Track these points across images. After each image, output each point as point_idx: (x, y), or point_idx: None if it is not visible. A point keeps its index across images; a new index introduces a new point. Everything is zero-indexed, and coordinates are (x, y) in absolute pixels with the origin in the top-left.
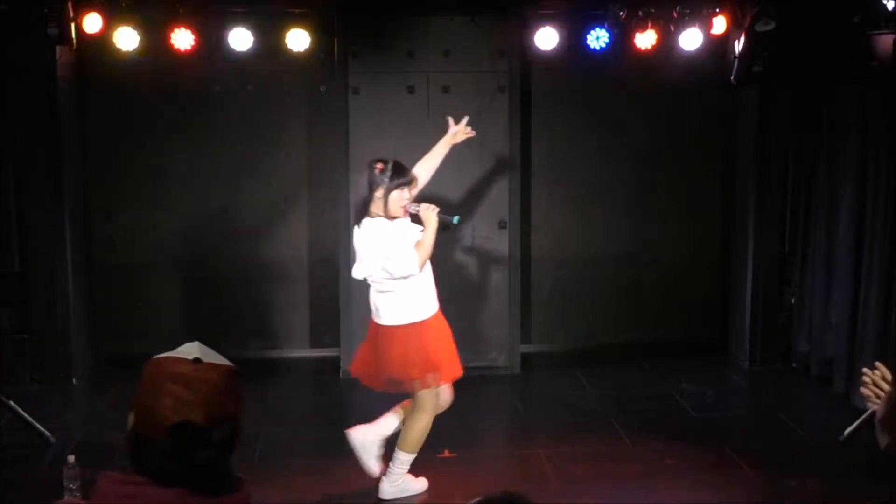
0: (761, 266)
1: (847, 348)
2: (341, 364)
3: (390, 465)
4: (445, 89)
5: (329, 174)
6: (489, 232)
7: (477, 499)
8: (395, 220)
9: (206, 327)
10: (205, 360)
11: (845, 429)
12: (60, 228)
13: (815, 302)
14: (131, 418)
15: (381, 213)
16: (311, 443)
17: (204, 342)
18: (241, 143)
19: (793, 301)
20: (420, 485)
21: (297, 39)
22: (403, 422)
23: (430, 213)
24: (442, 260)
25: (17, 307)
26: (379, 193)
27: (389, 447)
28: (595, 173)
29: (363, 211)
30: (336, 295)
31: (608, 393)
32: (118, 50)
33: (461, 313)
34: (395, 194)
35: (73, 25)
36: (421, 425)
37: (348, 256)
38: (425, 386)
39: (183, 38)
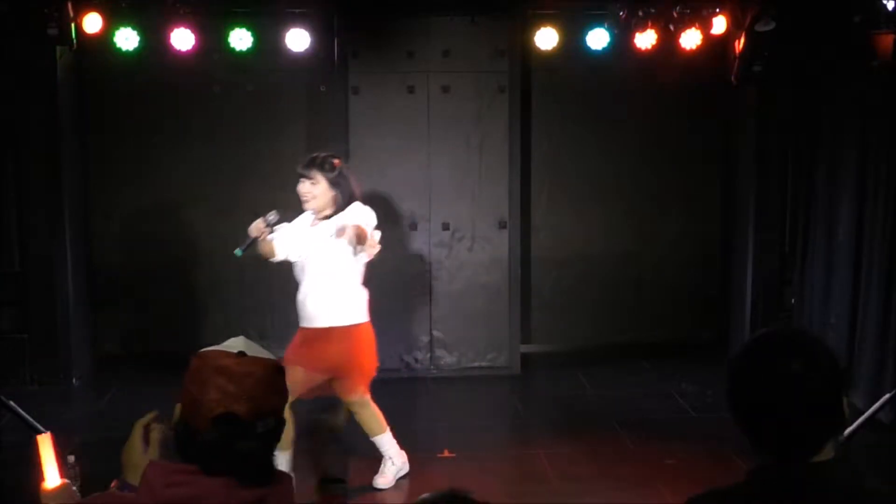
0: (761, 266)
1: (847, 348)
2: None
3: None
4: (445, 89)
5: None
6: (489, 232)
7: (423, 496)
8: None
9: (207, 327)
10: (249, 353)
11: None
12: (60, 228)
13: (815, 302)
14: (178, 409)
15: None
16: (311, 442)
17: (204, 343)
18: (241, 143)
19: (793, 301)
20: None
21: (297, 39)
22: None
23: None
24: (442, 260)
25: (17, 307)
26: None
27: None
28: (595, 173)
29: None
30: None
31: (608, 393)
32: (118, 50)
33: (461, 313)
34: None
35: (73, 25)
36: None
37: None
38: None
39: (183, 38)
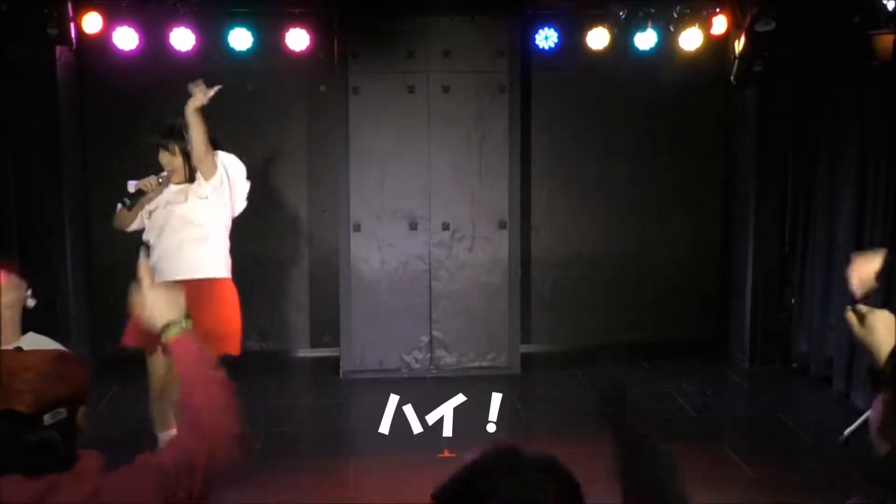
0: (761, 266)
1: (847, 348)
2: (341, 364)
3: None
4: (445, 89)
5: (329, 174)
6: (489, 232)
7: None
8: None
9: None
10: (26, 347)
11: (845, 429)
12: (60, 228)
13: (815, 302)
14: None
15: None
16: (311, 443)
17: None
18: (241, 143)
19: (793, 301)
20: None
21: (297, 39)
22: None
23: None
24: (442, 260)
25: None
26: None
27: None
28: (595, 173)
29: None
30: (336, 295)
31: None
32: (118, 50)
33: (461, 313)
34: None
35: (73, 25)
36: None
37: (348, 256)
38: None
39: (183, 38)
